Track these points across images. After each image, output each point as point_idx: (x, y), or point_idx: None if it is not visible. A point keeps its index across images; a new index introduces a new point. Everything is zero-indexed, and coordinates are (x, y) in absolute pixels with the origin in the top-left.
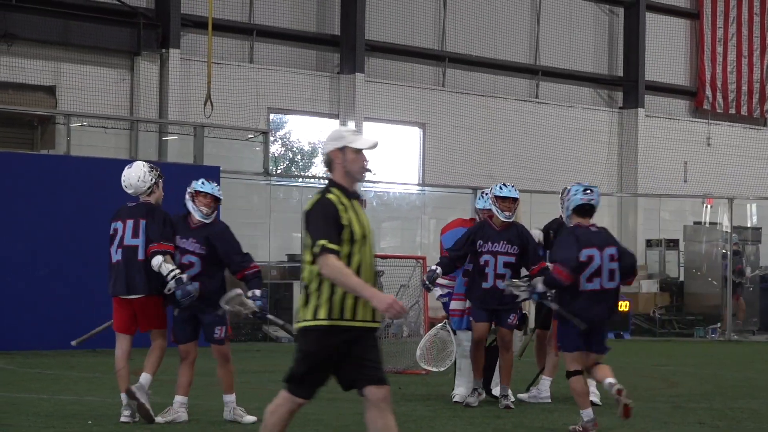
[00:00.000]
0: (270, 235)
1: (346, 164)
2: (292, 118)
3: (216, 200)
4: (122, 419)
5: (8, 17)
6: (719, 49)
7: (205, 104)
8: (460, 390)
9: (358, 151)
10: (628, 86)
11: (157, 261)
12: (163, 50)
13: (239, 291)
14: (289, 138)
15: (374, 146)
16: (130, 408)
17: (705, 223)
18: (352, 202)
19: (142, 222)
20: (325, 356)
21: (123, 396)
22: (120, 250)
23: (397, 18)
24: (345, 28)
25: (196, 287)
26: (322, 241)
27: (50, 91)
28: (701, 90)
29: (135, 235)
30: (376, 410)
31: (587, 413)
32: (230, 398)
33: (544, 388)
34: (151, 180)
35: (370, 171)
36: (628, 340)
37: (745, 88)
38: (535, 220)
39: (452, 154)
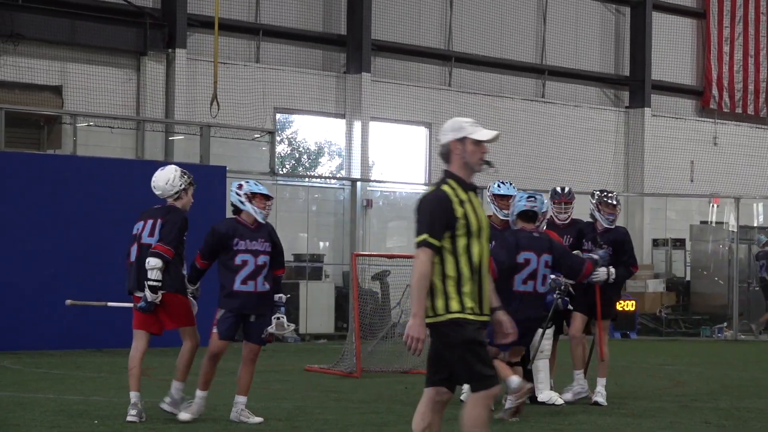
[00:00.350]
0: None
1: (465, 156)
2: (298, 117)
3: (269, 199)
4: (128, 419)
5: (15, 17)
6: (726, 48)
7: (211, 104)
8: (547, 392)
9: (478, 143)
10: (634, 86)
11: (154, 263)
12: (170, 50)
13: (278, 315)
14: (295, 138)
15: (495, 138)
16: (136, 408)
17: (711, 222)
18: (469, 195)
19: (159, 221)
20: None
21: (132, 395)
22: (136, 248)
23: (404, 18)
24: (351, 28)
25: (153, 306)
26: (424, 236)
27: (57, 91)
28: (708, 89)
29: (151, 234)
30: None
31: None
32: (242, 399)
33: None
34: (180, 185)
35: (489, 164)
36: (634, 339)
37: (751, 87)
38: None
39: None
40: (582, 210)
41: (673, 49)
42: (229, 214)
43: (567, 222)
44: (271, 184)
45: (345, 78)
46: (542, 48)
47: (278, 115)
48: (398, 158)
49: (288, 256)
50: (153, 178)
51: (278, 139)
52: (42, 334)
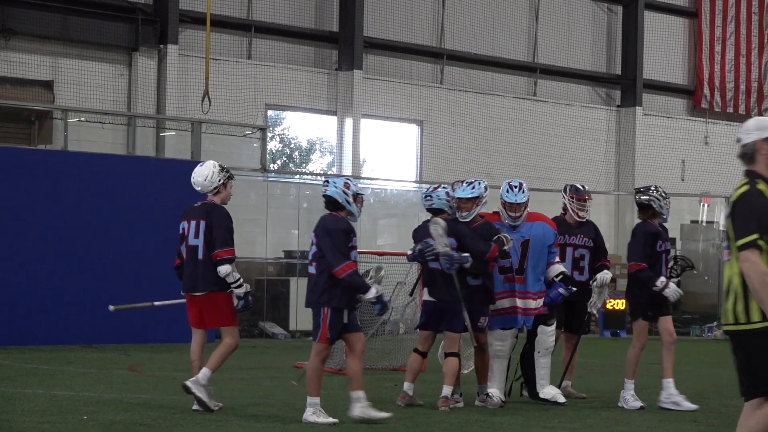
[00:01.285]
0: (267, 232)
1: None
2: (289, 114)
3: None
4: (193, 408)
5: (6, 12)
6: (717, 47)
7: (202, 100)
8: (493, 391)
9: None
10: (626, 84)
11: (225, 270)
12: (161, 46)
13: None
14: (286, 134)
15: None
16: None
17: (702, 221)
18: None
19: (202, 223)
20: None
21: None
22: (186, 249)
23: (396, 15)
24: (343, 25)
25: (251, 301)
26: (753, 236)
27: (48, 86)
28: (699, 89)
29: (196, 235)
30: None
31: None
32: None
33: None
34: (219, 181)
35: None
36: (624, 338)
37: (743, 87)
38: None
39: (450, 151)
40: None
41: (664, 48)
42: None
43: (583, 220)
44: (262, 180)
45: (337, 75)
46: (534, 46)
47: (269, 112)
48: (389, 156)
49: (278, 253)
50: (192, 174)
51: (269, 135)
52: (32, 329)
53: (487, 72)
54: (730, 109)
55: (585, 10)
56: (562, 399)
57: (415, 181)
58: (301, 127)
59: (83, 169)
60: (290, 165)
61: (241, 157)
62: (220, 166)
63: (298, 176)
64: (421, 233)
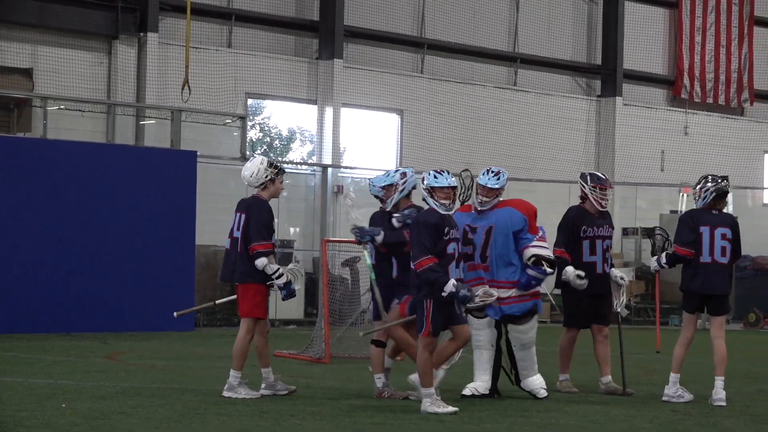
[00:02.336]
0: None
1: None
2: (270, 103)
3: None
4: (262, 391)
5: None
6: (697, 38)
7: (182, 89)
8: (473, 383)
9: None
10: (606, 75)
11: (261, 263)
12: (141, 34)
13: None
14: (267, 123)
15: None
16: (266, 381)
17: (681, 211)
18: None
19: (243, 216)
20: None
21: (263, 371)
22: (229, 240)
23: (376, 4)
24: (324, 14)
25: (293, 290)
26: None
27: (27, 73)
28: (679, 79)
29: (238, 227)
30: None
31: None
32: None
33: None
34: (266, 177)
35: None
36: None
37: (722, 77)
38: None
39: (430, 140)
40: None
41: (645, 38)
42: (199, 199)
43: (605, 210)
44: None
45: (317, 64)
46: (515, 36)
47: (250, 101)
48: (370, 145)
49: None
50: (242, 169)
51: (249, 124)
52: (10, 317)
53: (468, 61)
54: (710, 100)
55: (565, 0)
56: (542, 393)
57: (396, 170)
58: (281, 115)
59: (62, 157)
60: (270, 154)
61: (221, 145)
62: (268, 162)
63: None
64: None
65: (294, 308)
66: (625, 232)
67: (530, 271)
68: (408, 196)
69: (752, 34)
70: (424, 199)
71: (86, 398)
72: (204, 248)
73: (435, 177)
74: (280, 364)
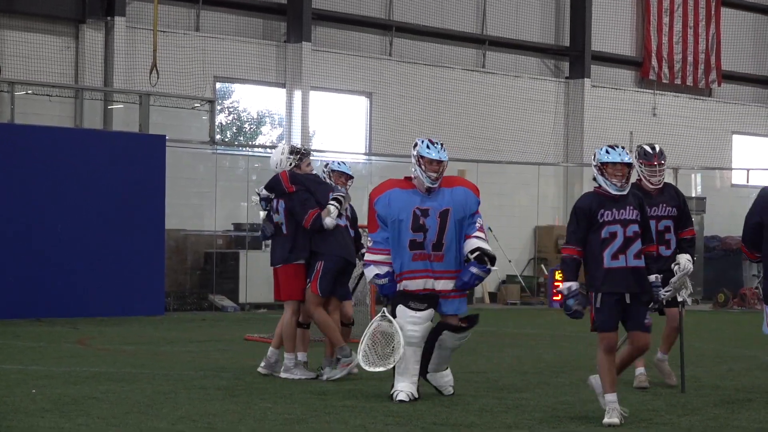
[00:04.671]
0: (216, 204)
1: None
2: (238, 86)
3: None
4: (282, 375)
5: None
6: (665, 19)
7: (150, 72)
8: (404, 385)
9: None
10: (574, 56)
11: (329, 223)
12: (109, 18)
13: None
14: (236, 107)
15: None
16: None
17: None
18: None
19: (281, 202)
20: None
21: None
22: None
23: None
24: None
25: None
26: None
27: None
28: (647, 60)
29: (277, 211)
30: None
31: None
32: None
33: None
34: (290, 165)
35: None
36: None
37: (690, 58)
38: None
39: (399, 123)
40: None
41: (613, 20)
42: (169, 184)
43: (660, 186)
44: (211, 153)
45: (285, 47)
46: (483, 18)
47: (218, 84)
48: (339, 128)
49: (228, 226)
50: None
51: (218, 108)
52: None
53: (436, 44)
54: (678, 81)
55: None
56: (450, 391)
57: (365, 153)
58: (250, 99)
59: (30, 143)
60: (239, 138)
61: (190, 129)
62: (291, 147)
63: (247, 149)
64: None
65: (264, 292)
66: None
67: (474, 269)
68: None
69: (719, 15)
70: (594, 178)
71: (57, 384)
72: (174, 232)
73: (607, 152)
74: (251, 347)
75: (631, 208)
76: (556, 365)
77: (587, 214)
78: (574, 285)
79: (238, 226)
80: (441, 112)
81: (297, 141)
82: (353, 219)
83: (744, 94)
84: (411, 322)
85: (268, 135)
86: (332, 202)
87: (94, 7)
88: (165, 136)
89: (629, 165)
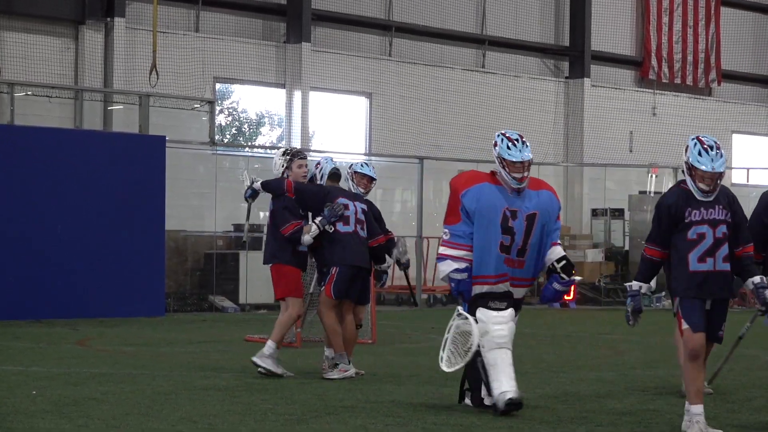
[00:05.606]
0: (216, 205)
1: None
2: (238, 87)
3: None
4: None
5: None
6: (665, 18)
7: (150, 73)
8: (508, 385)
9: None
10: (574, 56)
11: (305, 240)
12: (108, 19)
13: None
14: (235, 108)
15: None
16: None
17: (650, 192)
18: None
19: (271, 203)
20: None
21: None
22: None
23: None
24: None
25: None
26: None
27: None
28: (647, 60)
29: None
30: None
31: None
32: None
33: None
34: (282, 166)
35: None
36: (573, 309)
37: (690, 58)
38: None
39: (399, 123)
40: None
41: (612, 19)
42: (169, 185)
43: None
44: (211, 154)
45: (285, 48)
46: (482, 18)
47: (218, 85)
48: (338, 128)
49: (228, 226)
50: None
51: (218, 108)
52: None
53: (436, 44)
54: (678, 80)
55: None
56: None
57: (364, 154)
58: (250, 100)
59: (30, 144)
60: (239, 138)
61: (190, 130)
62: (284, 150)
63: (247, 149)
64: None
65: (264, 293)
66: (594, 213)
67: (557, 285)
68: (332, 179)
69: (719, 14)
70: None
71: (57, 385)
72: (173, 233)
73: (699, 153)
74: (251, 348)
75: (721, 207)
76: (557, 365)
77: (672, 212)
78: (641, 286)
79: (238, 227)
80: (441, 112)
81: (297, 141)
82: (378, 219)
83: (744, 93)
84: (496, 323)
85: (267, 135)
86: (317, 221)
87: (94, 8)
88: (165, 137)
89: (721, 174)
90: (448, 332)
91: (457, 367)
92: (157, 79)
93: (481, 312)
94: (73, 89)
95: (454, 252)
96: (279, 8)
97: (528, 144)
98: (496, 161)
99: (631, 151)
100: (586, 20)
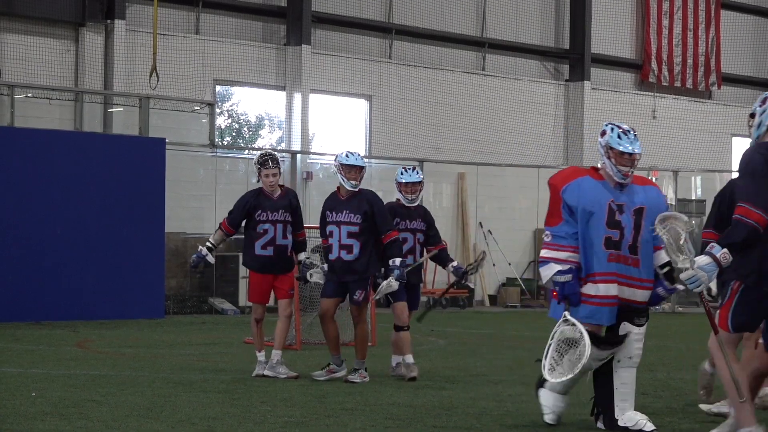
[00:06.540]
0: (216, 207)
1: None
2: (238, 89)
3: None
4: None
5: None
6: (665, 22)
7: (150, 75)
8: (634, 413)
9: None
10: (574, 59)
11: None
12: (108, 21)
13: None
14: (235, 110)
15: None
16: (261, 366)
17: None
18: None
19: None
20: None
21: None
22: None
23: None
24: (292, 0)
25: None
26: None
27: None
28: (647, 63)
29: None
30: None
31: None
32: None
33: None
34: (257, 172)
35: None
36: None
37: (690, 61)
38: (481, 191)
39: (398, 126)
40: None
41: (612, 22)
42: (168, 187)
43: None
44: (211, 156)
45: (285, 50)
46: (483, 21)
47: (218, 87)
48: (338, 130)
49: None
50: None
51: (218, 111)
52: None
53: (436, 47)
54: (678, 84)
55: None
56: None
57: (364, 156)
58: (250, 102)
59: (31, 146)
60: (239, 141)
61: (190, 132)
62: (259, 155)
63: (246, 152)
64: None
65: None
66: None
67: (661, 291)
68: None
69: (719, 18)
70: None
71: (57, 387)
72: (173, 235)
73: None
74: (250, 350)
75: None
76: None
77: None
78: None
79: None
80: (441, 114)
81: (297, 144)
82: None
83: (744, 96)
84: (636, 339)
85: (267, 138)
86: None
87: (94, 10)
88: (165, 139)
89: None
90: (552, 339)
91: (564, 378)
92: (157, 81)
93: (625, 326)
94: (73, 91)
95: (558, 254)
96: (279, 10)
97: (639, 139)
98: (602, 151)
99: None
100: (586, 23)
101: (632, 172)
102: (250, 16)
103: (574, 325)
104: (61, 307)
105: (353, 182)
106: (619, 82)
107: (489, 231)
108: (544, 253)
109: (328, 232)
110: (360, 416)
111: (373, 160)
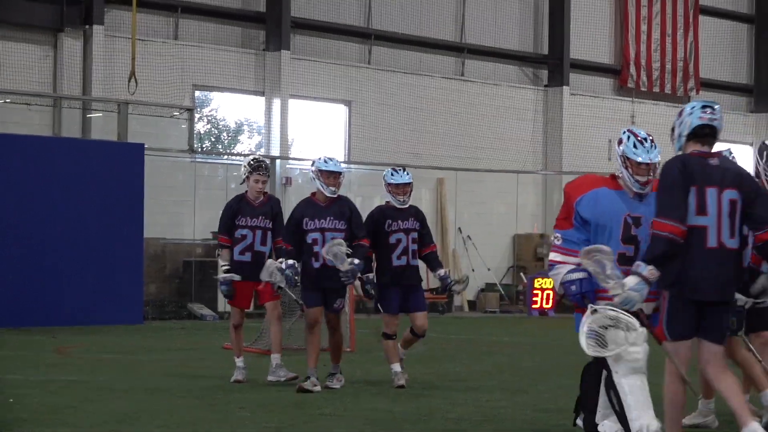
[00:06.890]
0: (195, 213)
1: None
2: (217, 95)
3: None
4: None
5: None
6: (643, 27)
7: (129, 81)
8: (650, 418)
9: None
10: (553, 64)
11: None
12: (87, 26)
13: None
14: (214, 115)
15: None
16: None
17: None
18: None
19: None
20: None
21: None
22: None
23: None
24: (270, 5)
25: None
26: None
27: None
28: (625, 68)
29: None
30: None
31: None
32: None
33: None
34: (244, 175)
35: None
36: (552, 317)
37: (669, 66)
38: (460, 197)
39: (378, 131)
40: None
41: (591, 27)
42: (147, 192)
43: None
44: (190, 161)
45: (264, 55)
46: (462, 26)
47: (197, 93)
48: (318, 136)
49: (206, 234)
50: None
51: (197, 116)
52: None
53: (415, 52)
54: (657, 89)
55: None
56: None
57: (344, 162)
58: (229, 107)
59: (9, 151)
60: (218, 146)
61: (169, 138)
62: (249, 161)
63: (225, 157)
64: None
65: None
66: None
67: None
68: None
69: (697, 23)
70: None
71: (34, 393)
72: (153, 241)
73: None
74: (230, 356)
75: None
76: (535, 374)
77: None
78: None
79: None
80: (420, 120)
81: (276, 149)
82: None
83: (722, 101)
84: (632, 344)
85: (246, 143)
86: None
87: (72, 16)
88: (144, 144)
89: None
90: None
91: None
92: (136, 86)
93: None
94: (51, 97)
95: (568, 259)
96: (258, 16)
97: (657, 146)
98: (619, 161)
99: (609, 159)
100: (565, 29)
101: (652, 180)
102: (229, 22)
103: (603, 311)
104: (40, 313)
105: (332, 188)
106: (598, 88)
107: (468, 236)
108: (554, 256)
109: (311, 240)
110: (339, 422)
111: (352, 166)
